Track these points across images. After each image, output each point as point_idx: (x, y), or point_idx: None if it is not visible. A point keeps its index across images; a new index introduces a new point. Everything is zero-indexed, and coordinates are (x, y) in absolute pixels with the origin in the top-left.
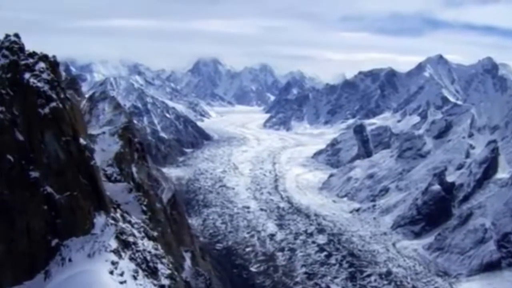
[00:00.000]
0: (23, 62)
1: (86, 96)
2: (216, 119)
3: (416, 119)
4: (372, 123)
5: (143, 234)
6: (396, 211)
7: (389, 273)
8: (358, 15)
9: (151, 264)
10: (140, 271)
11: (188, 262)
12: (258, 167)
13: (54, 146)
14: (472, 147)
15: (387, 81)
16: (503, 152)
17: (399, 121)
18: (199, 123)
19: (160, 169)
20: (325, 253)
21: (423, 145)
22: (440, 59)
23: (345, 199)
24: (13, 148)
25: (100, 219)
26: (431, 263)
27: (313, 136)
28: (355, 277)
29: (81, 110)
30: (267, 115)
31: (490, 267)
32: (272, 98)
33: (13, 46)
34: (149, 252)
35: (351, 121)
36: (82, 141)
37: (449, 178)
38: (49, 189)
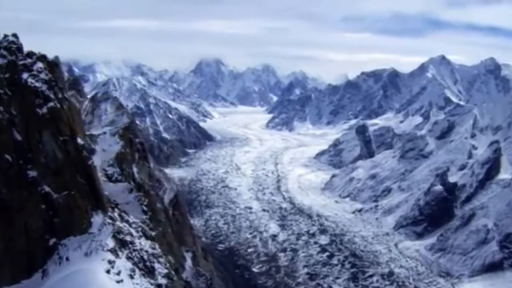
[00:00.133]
0: (21, 62)
1: (89, 96)
2: (219, 119)
3: (418, 119)
4: (375, 124)
5: (140, 233)
6: (398, 211)
7: (391, 273)
8: (360, 16)
9: (148, 263)
10: (137, 270)
11: (189, 262)
12: (260, 168)
13: (52, 145)
14: (474, 147)
15: (389, 81)
16: (505, 152)
17: (401, 121)
18: (201, 124)
19: (163, 169)
20: (327, 253)
21: (426, 146)
22: (443, 60)
23: (347, 199)
24: (11, 147)
25: (97, 218)
26: (433, 264)
27: (316, 137)
28: (357, 278)
29: (83, 110)
30: (270, 116)
31: (492, 267)
32: (275, 98)
33: (11, 46)
34: (146, 251)
35: (353, 121)
36: (79, 140)
37: (452, 179)
38: (47, 189)
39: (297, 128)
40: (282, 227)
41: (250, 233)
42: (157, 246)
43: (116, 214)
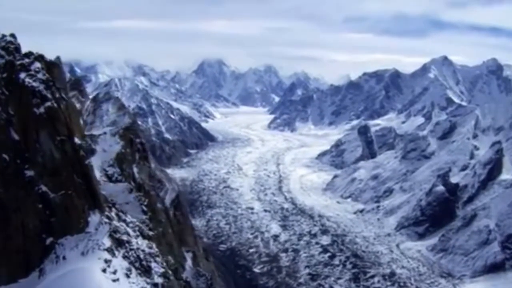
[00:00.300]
0: (18, 62)
1: (91, 97)
2: (221, 120)
3: (420, 120)
4: (377, 124)
5: (137, 233)
6: (400, 212)
7: (392, 274)
8: (362, 16)
9: (144, 262)
10: (133, 270)
11: (189, 262)
12: (262, 168)
13: (49, 145)
14: (476, 148)
15: (391, 82)
16: (507, 153)
17: (403, 122)
18: (203, 124)
19: (164, 170)
20: (328, 254)
21: (427, 146)
22: (445, 60)
23: (349, 200)
24: (8, 147)
25: (94, 218)
26: (435, 264)
27: (318, 137)
28: (358, 278)
29: (85, 111)
30: (272, 116)
31: (494, 268)
32: (277, 99)
33: (9, 46)
34: (143, 250)
35: (355, 122)
36: (77, 140)
37: (453, 179)
38: (44, 188)
39: (299, 129)
40: (284, 227)
41: (252, 234)
42: (154, 245)
43: (113, 214)
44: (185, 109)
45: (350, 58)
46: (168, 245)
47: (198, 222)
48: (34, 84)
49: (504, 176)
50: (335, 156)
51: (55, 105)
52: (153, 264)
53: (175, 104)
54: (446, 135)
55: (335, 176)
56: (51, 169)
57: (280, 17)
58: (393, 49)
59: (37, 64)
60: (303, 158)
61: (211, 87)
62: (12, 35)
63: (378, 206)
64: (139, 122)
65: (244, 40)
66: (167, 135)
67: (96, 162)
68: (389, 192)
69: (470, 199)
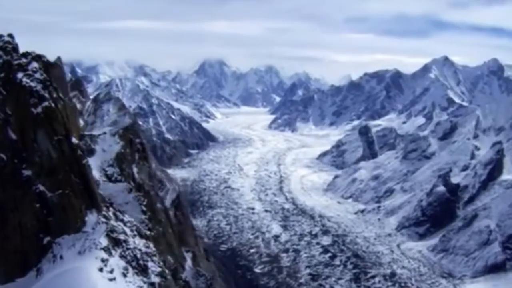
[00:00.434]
0: (16, 62)
1: (91, 97)
2: (222, 120)
3: (421, 120)
4: (377, 125)
5: (135, 232)
6: (400, 212)
7: (393, 274)
8: (363, 17)
9: (141, 262)
10: (130, 269)
11: (189, 262)
12: (263, 168)
13: (47, 145)
14: (477, 148)
15: (392, 82)
16: (508, 153)
17: (404, 122)
18: (204, 125)
19: (165, 170)
20: (329, 254)
21: (428, 147)
22: (446, 61)
23: (349, 200)
24: (6, 146)
25: (91, 217)
26: (435, 265)
27: (318, 138)
28: (359, 279)
29: (86, 111)
30: (273, 117)
31: (494, 268)
32: (278, 99)
33: (7, 46)
34: (140, 250)
35: (356, 122)
36: (74, 140)
37: (454, 180)
38: (41, 188)
39: (300, 129)
40: (285, 227)
41: (253, 234)
42: (151, 245)
43: (110, 213)
44: (186, 109)
45: (351, 58)
46: (168, 245)
47: (199, 222)
48: (32, 84)
49: (505, 176)
50: (336, 157)
51: (53, 105)
52: (150, 264)
53: (176, 105)
54: (447, 135)
55: (336, 177)
56: (49, 168)
57: (281, 17)
58: (394, 50)
59: (35, 64)
60: (304, 159)
61: (212, 88)
62: (10, 35)
63: (378, 207)
64: (140, 123)
65: (245, 41)
66: (168, 136)
67: (96, 162)
68: (390, 192)
69: (471, 200)
